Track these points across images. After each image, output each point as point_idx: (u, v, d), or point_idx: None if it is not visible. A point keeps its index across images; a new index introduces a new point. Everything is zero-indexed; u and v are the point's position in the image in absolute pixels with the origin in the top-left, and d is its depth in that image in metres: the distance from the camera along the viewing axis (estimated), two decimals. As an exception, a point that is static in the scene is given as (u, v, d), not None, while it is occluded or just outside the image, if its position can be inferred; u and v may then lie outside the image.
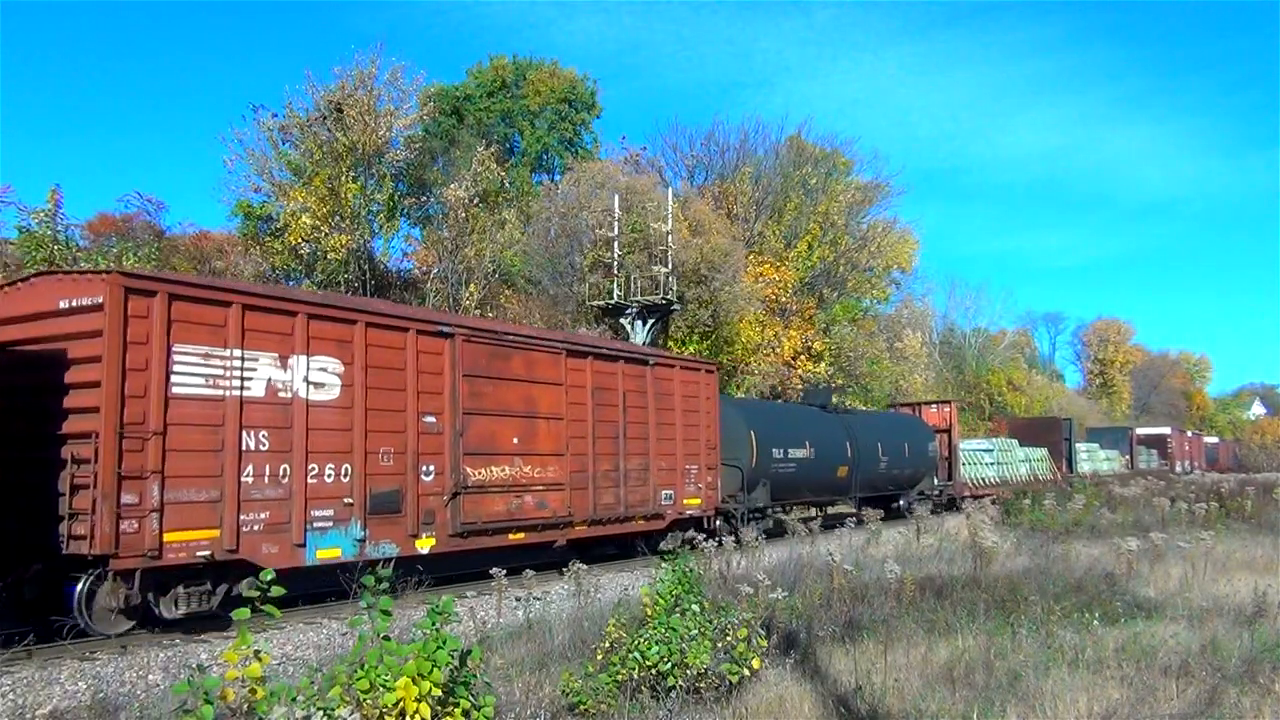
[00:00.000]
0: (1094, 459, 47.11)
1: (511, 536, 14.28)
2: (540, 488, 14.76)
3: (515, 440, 14.33)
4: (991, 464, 34.35)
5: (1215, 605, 11.02)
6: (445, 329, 13.44)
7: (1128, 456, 53.43)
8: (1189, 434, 69.60)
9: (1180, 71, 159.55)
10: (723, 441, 19.27)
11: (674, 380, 18.02)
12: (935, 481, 28.73)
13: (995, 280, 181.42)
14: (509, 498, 14.16)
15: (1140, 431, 61.89)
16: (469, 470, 13.46)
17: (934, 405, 32.22)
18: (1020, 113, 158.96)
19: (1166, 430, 64.01)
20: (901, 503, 26.64)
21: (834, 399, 25.53)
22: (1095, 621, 9.72)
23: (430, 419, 13.04)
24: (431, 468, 12.99)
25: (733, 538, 17.49)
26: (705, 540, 14.55)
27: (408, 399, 12.74)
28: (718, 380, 19.86)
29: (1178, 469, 56.42)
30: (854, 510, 25.62)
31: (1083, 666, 8.08)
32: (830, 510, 27.11)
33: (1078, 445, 45.94)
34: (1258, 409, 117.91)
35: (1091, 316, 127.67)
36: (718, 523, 18.92)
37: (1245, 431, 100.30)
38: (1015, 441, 38.47)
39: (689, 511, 17.97)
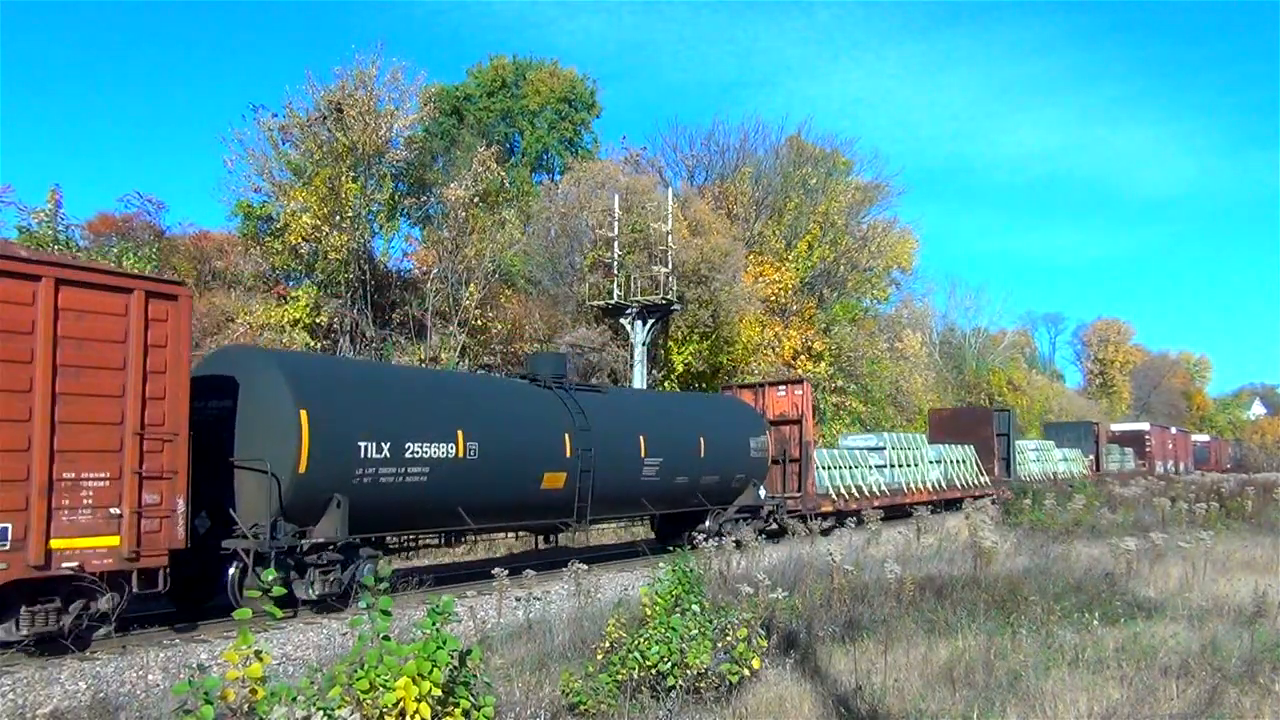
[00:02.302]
0: (1046, 460, 39.46)
1: None
2: None
3: None
4: (881, 466, 26.10)
5: (1215, 605, 11.02)
6: None
7: (1092, 456, 45.95)
8: (1173, 431, 63.21)
9: (1180, 71, 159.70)
10: (242, 427, 11.64)
11: (35, 304, 9.41)
12: (763, 494, 20.21)
13: (995, 280, 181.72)
14: None
15: (1115, 428, 57.02)
16: None
17: (781, 386, 23.60)
18: (1020, 113, 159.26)
19: (1144, 427, 57.53)
20: (707, 524, 18.74)
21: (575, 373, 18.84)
22: (1095, 621, 9.72)
23: None
24: None
25: (310, 602, 11.36)
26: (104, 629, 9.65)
27: None
28: (190, 310, 11.09)
29: (1158, 470, 49.09)
30: (645, 539, 18.44)
31: (1083, 666, 8.08)
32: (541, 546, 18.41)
33: (1024, 443, 39.15)
34: (1258, 409, 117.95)
35: (1091, 316, 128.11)
36: (234, 574, 11.40)
37: (1245, 431, 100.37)
38: (921, 437, 30.61)
39: (72, 564, 9.49)
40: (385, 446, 12.61)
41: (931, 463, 28.95)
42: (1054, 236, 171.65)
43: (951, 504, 27.95)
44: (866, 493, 24.68)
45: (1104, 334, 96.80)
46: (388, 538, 14.14)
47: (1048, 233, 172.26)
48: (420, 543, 15.20)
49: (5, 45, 64.41)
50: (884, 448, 26.83)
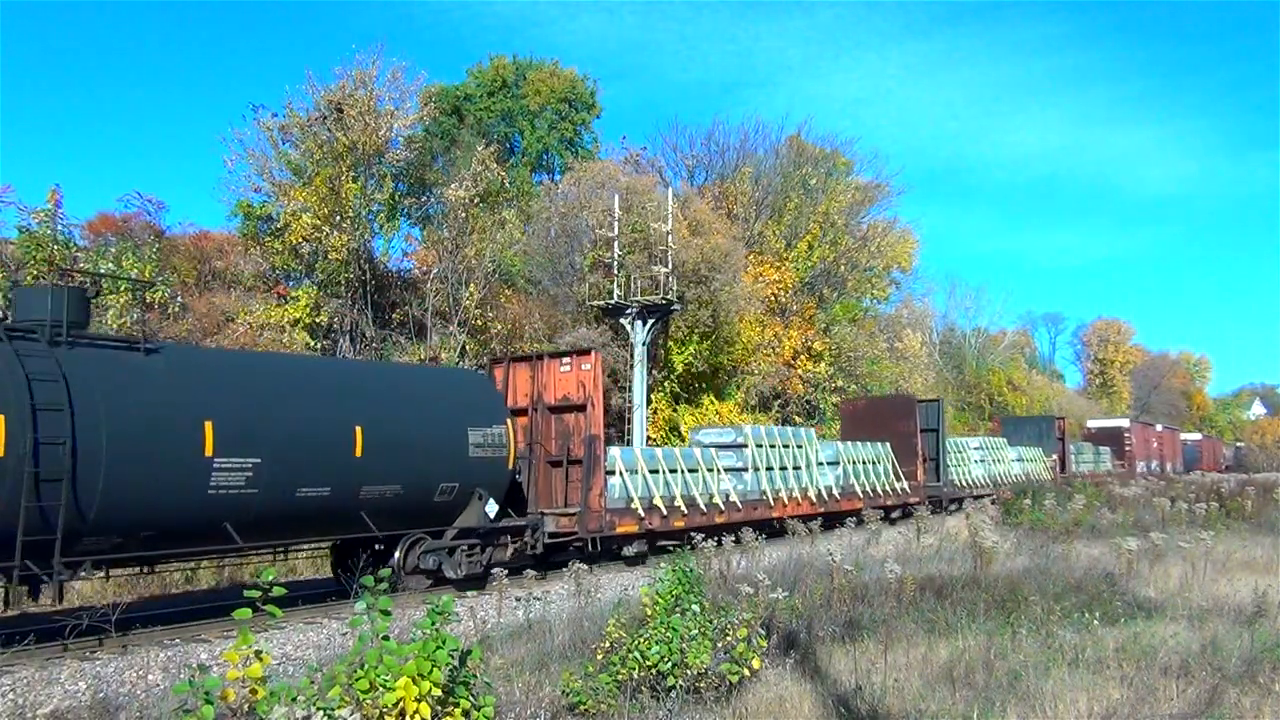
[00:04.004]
0: (995, 460, 33.79)
1: None
2: None
3: None
4: (737, 470, 20.06)
5: (1215, 605, 11.02)
6: None
7: (1057, 456, 40.75)
8: (1158, 428, 58.71)
9: (1181, 71, 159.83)
10: None
11: None
12: (492, 510, 14.34)
13: (995, 280, 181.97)
14: None
15: (1091, 424, 53.83)
16: None
17: (564, 359, 16.94)
18: (1020, 113, 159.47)
19: (1123, 423, 53.39)
20: (395, 557, 13.43)
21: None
22: (1095, 621, 9.71)
23: None
24: None
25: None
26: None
27: None
28: None
29: (1139, 472, 44.53)
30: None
31: (1083, 666, 8.07)
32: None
33: (966, 440, 33.52)
34: (1258, 409, 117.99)
35: (1091, 316, 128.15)
36: None
37: (1245, 432, 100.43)
38: (809, 433, 23.46)
39: None
40: None
41: (825, 464, 22.98)
42: (1054, 236, 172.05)
43: (847, 518, 21.47)
44: (704, 505, 18.36)
45: (1104, 334, 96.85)
46: None
47: (1048, 233, 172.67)
48: None
49: (5, 45, 64.42)
50: (744, 445, 20.53)
